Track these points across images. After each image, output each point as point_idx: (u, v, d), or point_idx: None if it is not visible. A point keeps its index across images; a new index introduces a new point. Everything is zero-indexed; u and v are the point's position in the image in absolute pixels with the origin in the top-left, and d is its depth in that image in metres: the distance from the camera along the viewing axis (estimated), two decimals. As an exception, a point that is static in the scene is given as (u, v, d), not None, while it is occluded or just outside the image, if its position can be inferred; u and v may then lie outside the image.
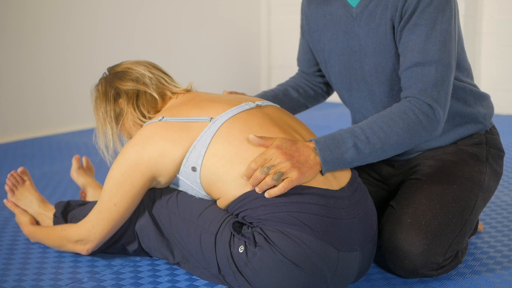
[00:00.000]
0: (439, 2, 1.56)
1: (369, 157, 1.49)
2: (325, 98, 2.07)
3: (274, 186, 1.41)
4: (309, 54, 1.94)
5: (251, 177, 1.43)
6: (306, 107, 2.04)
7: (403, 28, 1.58)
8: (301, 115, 1.84)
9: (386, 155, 1.52)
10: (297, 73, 2.07)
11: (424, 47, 1.54)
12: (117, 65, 1.79)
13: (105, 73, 1.79)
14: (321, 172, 1.46)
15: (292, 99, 1.98)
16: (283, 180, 1.41)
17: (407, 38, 1.57)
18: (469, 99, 1.73)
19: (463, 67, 1.73)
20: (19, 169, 2.00)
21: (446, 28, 1.56)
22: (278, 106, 1.71)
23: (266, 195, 1.41)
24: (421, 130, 1.51)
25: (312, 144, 1.47)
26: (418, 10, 1.55)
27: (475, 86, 1.78)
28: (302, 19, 1.89)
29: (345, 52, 1.73)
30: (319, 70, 1.97)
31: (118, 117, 1.73)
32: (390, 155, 1.53)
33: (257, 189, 1.42)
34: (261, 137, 1.47)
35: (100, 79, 1.79)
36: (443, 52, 1.54)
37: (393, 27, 1.61)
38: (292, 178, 1.41)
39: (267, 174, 1.41)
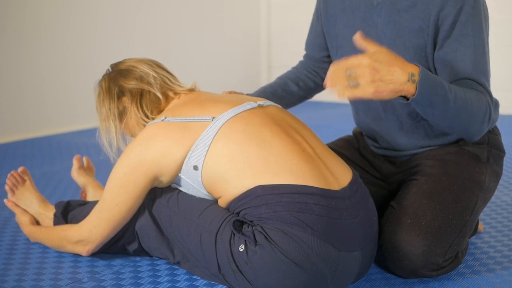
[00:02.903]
0: (479, 9, 1.59)
1: (444, 112, 1.48)
2: (325, 87, 2.06)
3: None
4: (320, 38, 1.93)
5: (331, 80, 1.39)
6: (306, 99, 2.05)
7: (447, 38, 1.60)
8: (301, 115, 1.83)
9: (449, 123, 1.52)
10: (300, 62, 2.06)
11: (475, 58, 1.59)
12: (120, 62, 1.79)
13: (108, 69, 1.79)
14: (407, 98, 1.43)
15: (291, 93, 1.98)
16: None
17: (454, 48, 1.60)
18: None
19: None
20: (20, 169, 2.00)
21: (487, 38, 1.62)
22: (280, 106, 1.71)
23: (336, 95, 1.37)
24: (480, 122, 1.55)
25: (413, 68, 1.40)
26: (461, 19, 1.58)
27: None
28: (319, 2, 1.89)
29: None
30: (328, 56, 1.96)
31: (121, 115, 1.73)
32: (449, 126, 1.54)
33: (332, 88, 1.38)
34: (365, 40, 1.41)
35: (104, 76, 1.78)
36: (487, 62, 1.62)
37: (420, 28, 1.62)
38: (364, 92, 1.36)
39: (348, 77, 1.36)
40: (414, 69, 1.40)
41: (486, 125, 1.59)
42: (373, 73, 1.35)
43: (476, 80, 1.58)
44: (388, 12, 1.67)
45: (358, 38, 1.41)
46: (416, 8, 1.62)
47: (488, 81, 1.62)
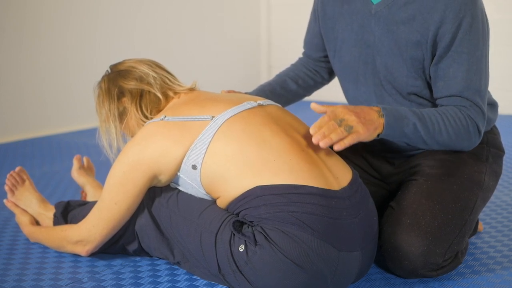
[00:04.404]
0: (477, 26, 1.59)
1: (418, 140, 1.59)
2: (324, 84, 2.08)
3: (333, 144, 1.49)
4: (318, 39, 1.93)
5: (320, 129, 1.47)
6: (305, 96, 2.06)
7: (444, 54, 1.61)
8: (300, 115, 1.83)
9: (428, 146, 1.63)
10: (299, 59, 2.06)
11: (467, 76, 1.60)
12: (119, 63, 1.78)
13: (107, 70, 1.79)
14: (378, 135, 1.54)
15: (290, 91, 1.98)
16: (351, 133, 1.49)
17: (448, 65, 1.61)
18: None
19: None
20: (17, 169, 2.00)
21: (485, 53, 1.62)
22: (279, 105, 1.71)
23: (336, 147, 1.46)
24: (466, 140, 1.62)
25: (377, 108, 1.55)
26: (458, 37, 1.58)
27: (488, 92, 1.79)
28: (316, 4, 1.88)
29: (358, 44, 1.73)
30: (326, 56, 1.96)
31: (121, 115, 1.73)
32: (429, 148, 1.66)
33: (326, 140, 1.45)
34: (323, 105, 1.53)
35: (103, 77, 1.78)
36: (483, 79, 1.62)
37: (418, 41, 1.63)
38: (360, 132, 1.48)
39: (340, 126, 1.48)
40: (377, 108, 1.55)
41: (476, 138, 1.63)
42: (357, 115, 1.49)
43: (466, 97, 1.60)
44: (386, 22, 1.66)
45: (315, 107, 1.52)
46: (414, 21, 1.62)
47: (481, 97, 1.62)
